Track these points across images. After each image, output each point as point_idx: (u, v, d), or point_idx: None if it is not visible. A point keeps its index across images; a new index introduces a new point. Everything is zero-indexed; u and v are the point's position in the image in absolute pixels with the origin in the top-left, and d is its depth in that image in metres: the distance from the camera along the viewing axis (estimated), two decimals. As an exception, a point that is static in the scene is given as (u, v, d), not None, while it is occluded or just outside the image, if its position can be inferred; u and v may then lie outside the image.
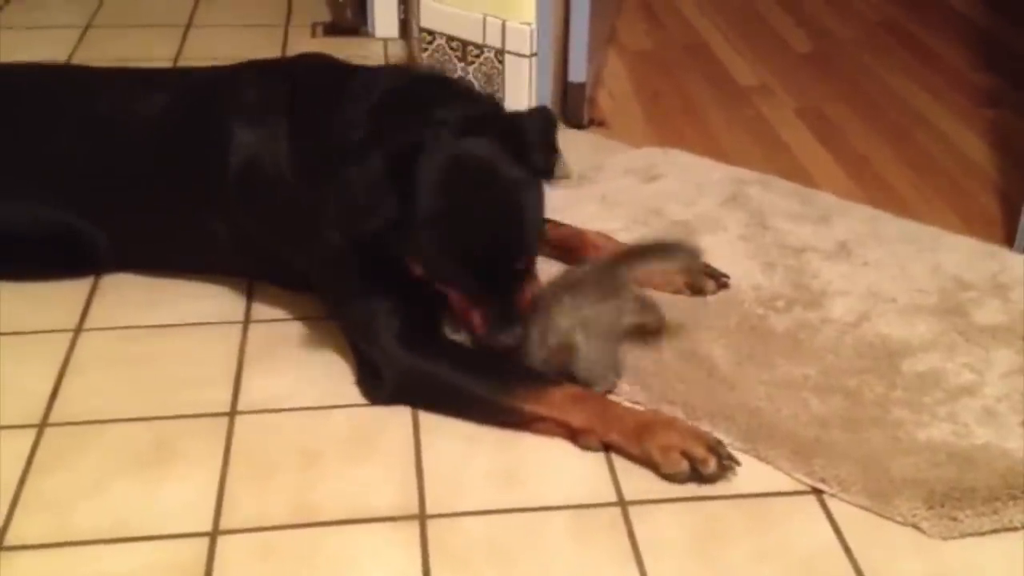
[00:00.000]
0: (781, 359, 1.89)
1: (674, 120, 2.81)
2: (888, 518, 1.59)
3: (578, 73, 2.72)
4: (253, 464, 1.69)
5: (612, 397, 1.79)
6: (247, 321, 2.02)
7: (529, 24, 2.66)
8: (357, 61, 2.02)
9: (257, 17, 3.42)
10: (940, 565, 1.52)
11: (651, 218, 2.30)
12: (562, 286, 1.79)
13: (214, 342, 1.96)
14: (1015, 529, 1.58)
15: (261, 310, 2.04)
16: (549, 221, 2.09)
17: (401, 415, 1.79)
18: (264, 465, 1.69)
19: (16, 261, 2.10)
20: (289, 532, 1.57)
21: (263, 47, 3.14)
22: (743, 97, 2.95)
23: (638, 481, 1.65)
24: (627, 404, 1.77)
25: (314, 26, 3.34)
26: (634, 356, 1.86)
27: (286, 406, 1.81)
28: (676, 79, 3.05)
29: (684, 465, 1.63)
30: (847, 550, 1.54)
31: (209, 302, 2.06)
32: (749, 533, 1.57)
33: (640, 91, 2.97)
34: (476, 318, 1.74)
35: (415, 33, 2.92)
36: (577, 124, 2.75)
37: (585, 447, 1.71)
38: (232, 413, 1.79)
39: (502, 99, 2.73)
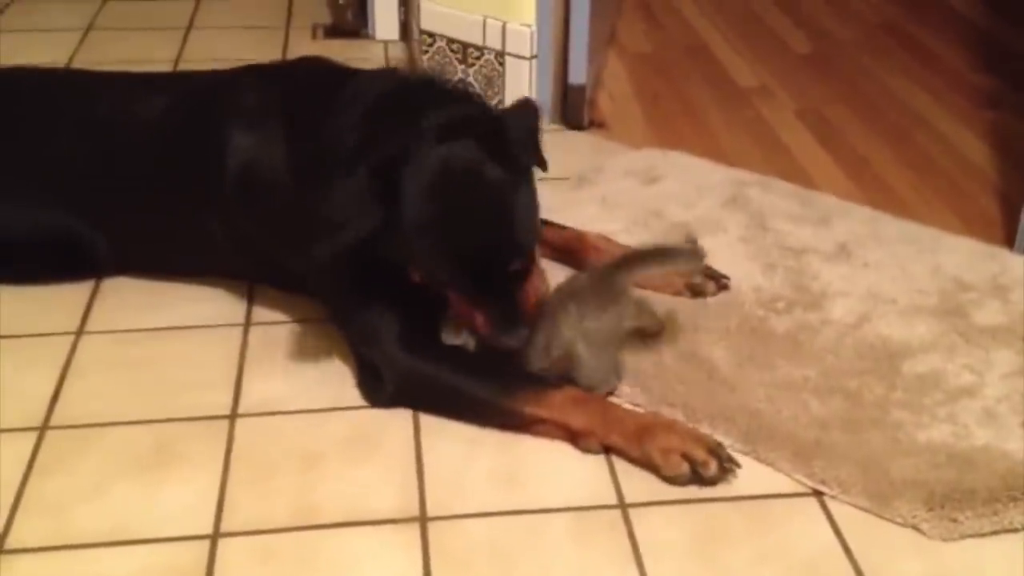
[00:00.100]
0: (781, 361, 1.89)
1: (674, 122, 2.81)
2: (888, 519, 1.59)
3: (578, 75, 2.72)
4: (253, 467, 1.69)
5: (612, 399, 1.79)
6: (247, 324, 2.02)
7: (529, 26, 2.66)
8: (358, 63, 2.02)
9: (258, 19, 3.43)
10: (940, 566, 1.52)
11: (651, 220, 2.30)
12: (567, 293, 1.79)
13: (214, 345, 1.96)
14: (1015, 530, 1.58)
15: (261, 313, 2.05)
16: (549, 223, 2.09)
17: (402, 417, 1.79)
18: (264, 468, 1.69)
19: (16, 265, 2.10)
20: (290, 535, 1.57)
21: (264, 49, 3.14)
22: (743, 99, 2.95)
23: (638, 483, 1.65)
24: (627, 406, 1.77)
25: (315, 28, 3.34)
26: (634, 358, 1.86)
27: (286, 409, 1.81)
28: (676, 81, 3.05)
29: (685, 467, 1.63)
30: (847, 552, 1.54)
31: (209, 305, 2.06)
32: (749, 535, 1.57)
33: (640, 93, 2.98)
34: (479, 320, 1.74)
35: (415, 35, 2.92)
36: (577, 126, 2.75)
37: (585, 449, 1.71)
38: (232, 416, 1.79)
39: (502, 100, 2.74)
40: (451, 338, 1.81)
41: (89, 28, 3.33)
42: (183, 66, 3.06)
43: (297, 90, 1.94)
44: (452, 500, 1.63)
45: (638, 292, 1.91)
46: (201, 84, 2.11)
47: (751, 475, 1.66)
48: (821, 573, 1.52)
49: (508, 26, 2.68)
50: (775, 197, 2.39)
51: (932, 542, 1.56)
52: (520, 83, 2.71)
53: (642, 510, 1.61)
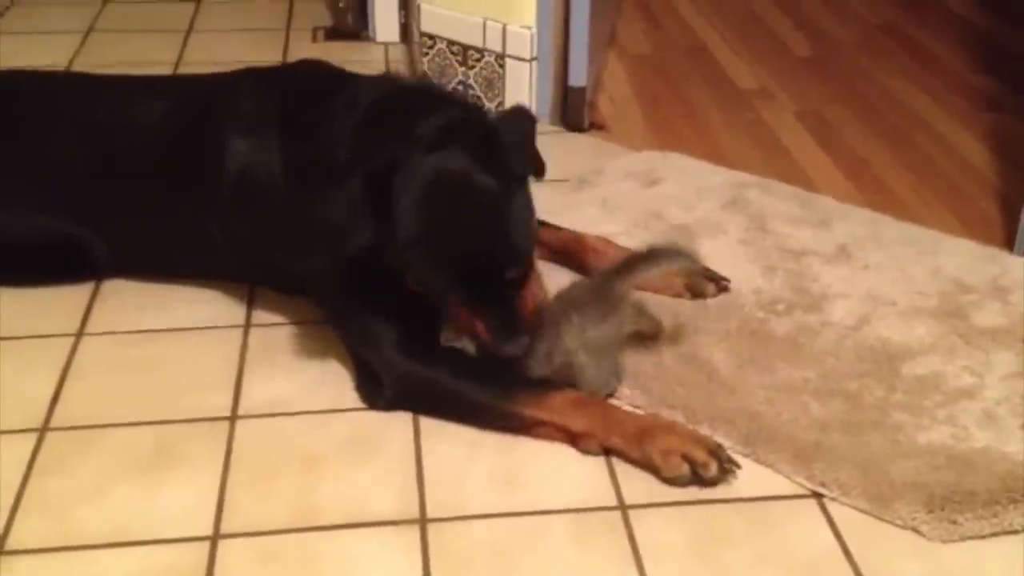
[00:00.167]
0: (781, 363, 1.89)
1: (674, 124, 2.82)
2: (888, 521, 1.59)
3: (578, 77, 2.73)
4: (254, 468, 1.69)
5: (612, 401, 1.79)
6: (247, 325, 2.02)
7: (529, 28, 2.66)
8: (358, 66, 2.03)
9: (258, 21, 3.43)
10: (940, 568, 1.52)
11: (651, 222, 2.31)
12: (567, 302, 1.79)
13: (215, 346, 1.96)
14: (1015, 532, 1.58)
15: (261, 314, 2.05)
16: (548, 225, 2.10)
17: (402, 419, 1.79)
18: (265, 469, 1.69)
19: (17, 268, 2.10)
20: (290, 536, 1.57)
21: (264, 51, 3.15)
22: (743, 100, 2.95)
23: (638, 485, 1.65)
24: (627, 408, 1.77)
25: (315, 30, 3.35)
26: (634, 360, 1.86)
27: (287, 410, 1.81)
28: (676, 83, 3.06)
29: (685, 469, 1.63)
30: (847, 554, 1.54)
31: (209, 306, 2.07)
32: (749, 537, 1.57)
33: (640, 95, 2.98)
34: (480, 328, 1.74)
35: (416, 37, 2.92)
36: (577, 128, 2.75)
37: (585, 451, 1.71)
38: (233, 417, 1.79)
39: (502, 102, 2.74)
40: (451, 340, 1.80)
41: (89, 31, 3.33)
42: (183, 69, 3.06)
43: (295, 95, 1.94)
44: (452, 502, 1.63)
45: (636, 294, 1.91)
46: (200, 87, 2.11)
47: (751, 477, 1.66)
48: (821, 575, 1.52)
49: (508, 28, 2.68)
50: (775, 199, 2.39)
51: (932, 544, 1.56)
52: (520, 85, 2.71)
53: (642, 511, 1.61)
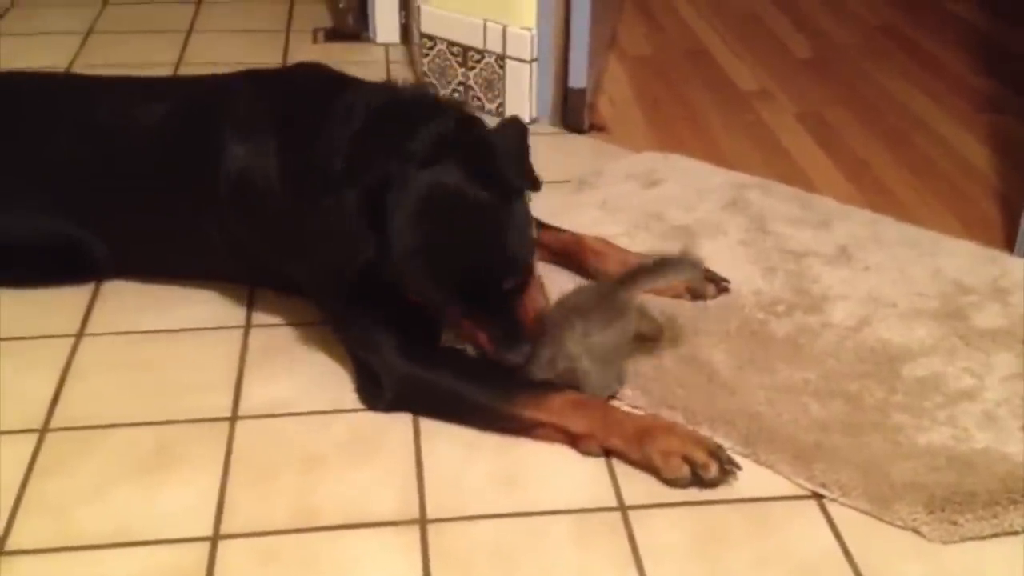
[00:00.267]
0: (781, 364, 1.89)
1: (674, 125, 2.82)
2: (888, 522, 1.59)
3: (579, 78, 2.73)
4: (254, 469, 1.69)
5: (612, 402, 1.79)
6: (248, 326, 2.02)
7: (530, 29, 2.66)
8: (358, 67, 2.03)
9: (258, 22, 3.43)
10: (940, 569, 1.52)
11: (652, 223, 2.31)
12: (571, 307, 1.78)
13: (215, 347, 1.96)
14: (1015, 533, 1.58)
15: (261, 315, 2.05)
16: (548, 227, 2.10)
17: (402, 420, 1.79)
18: (265, 470, 1.69)
19: (17, 269, 2.10)
20: (290, 537, 1.57)
21: (264, 53, 3.15)
22: (743, 102, 2.95)
23: (639, 486, 1.65)
24: (627, 409, 1.77)
25: (315, 32, 3.35)
26: (634, 361, 1.86)
27: (287, 411, 1.81)
28: (676, 84, 3.06)
29: (685, 470, 1.63)
30: (847, 554, 1.54)
31: (210, 307, 2.07)
32: (750, 538, 1.57)
33: (640, 96, 2.98)
34: (481, 338, 1.74)
35: (416, 39, 2.92)
36: (578, 129, 2.76)
37: (586, 452, 1.71)
38: (233, 418, 1.79)
39: (503, 103, 2.74)
40: (453, 340, 1.81)
41: (89, 32, 3.33)
42: (183, 70, 3.06)
43: (293, 98, 1.94)
44: (452, 502, 1.63)
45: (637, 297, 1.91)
46: (200, 89, 2.12)
47: (751, 478, 1.66)
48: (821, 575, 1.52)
49: (509, 29, 2.68)
50: (775, 200, 2.40)
51: (932, 545, 1.56)
52: (520, 86, 2.72)
53: (642, 512, 1.61)
